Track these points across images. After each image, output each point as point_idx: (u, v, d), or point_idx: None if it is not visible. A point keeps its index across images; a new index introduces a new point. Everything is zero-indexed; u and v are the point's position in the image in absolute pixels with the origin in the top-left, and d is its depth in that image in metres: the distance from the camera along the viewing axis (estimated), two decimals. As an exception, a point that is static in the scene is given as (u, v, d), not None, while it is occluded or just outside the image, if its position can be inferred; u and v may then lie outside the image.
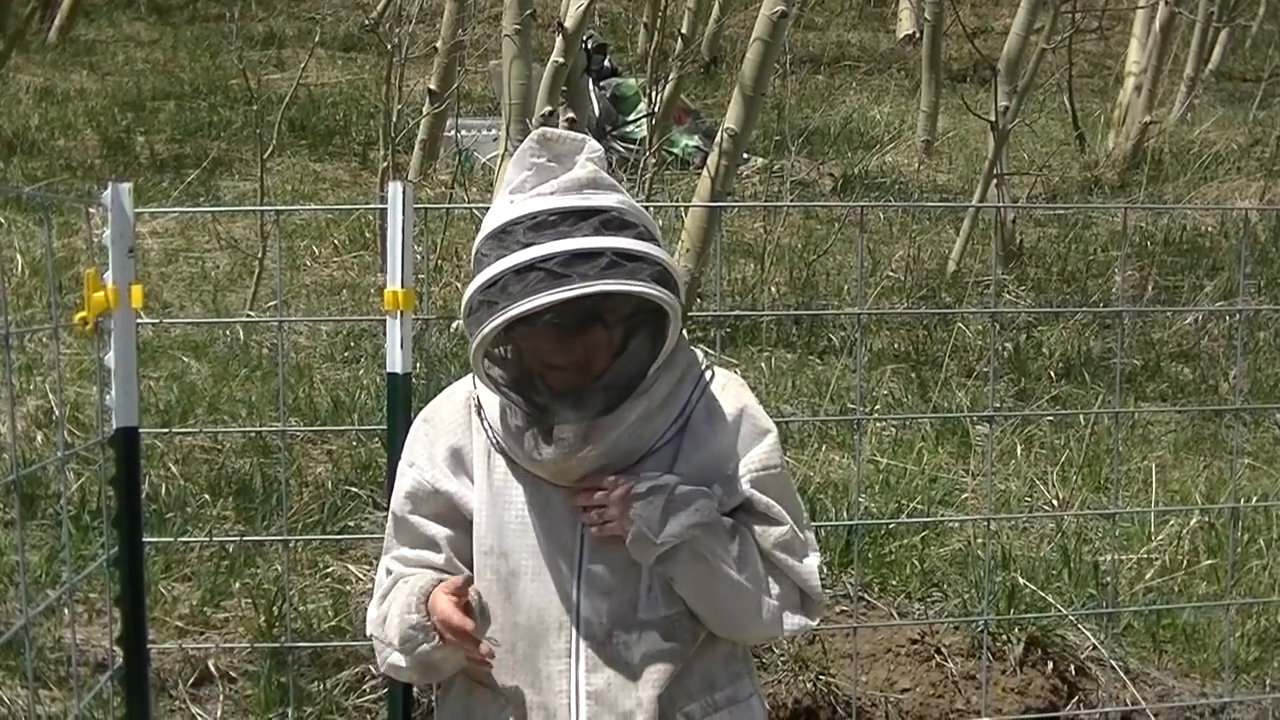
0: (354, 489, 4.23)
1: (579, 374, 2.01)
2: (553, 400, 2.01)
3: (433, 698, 3.34)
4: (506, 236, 2.01)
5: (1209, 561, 4.33)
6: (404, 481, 2.18)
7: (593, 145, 2.10)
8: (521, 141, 2.12)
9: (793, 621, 2.11)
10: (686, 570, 2.03)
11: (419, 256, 6.18)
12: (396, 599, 2.11)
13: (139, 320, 2.62)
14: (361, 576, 3.85)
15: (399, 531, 2.19)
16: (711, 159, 6.24)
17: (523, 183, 2.05)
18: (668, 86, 7.85)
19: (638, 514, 1.99)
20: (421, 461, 2.16)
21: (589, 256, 1.95)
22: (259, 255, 6.30)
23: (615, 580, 2.04)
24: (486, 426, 2.12)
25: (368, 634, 2.20)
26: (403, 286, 2.61)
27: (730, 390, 2.15)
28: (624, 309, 2.00)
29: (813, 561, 2.14)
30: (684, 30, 8.77)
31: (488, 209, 2.14)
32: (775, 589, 2.09)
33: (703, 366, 2.15)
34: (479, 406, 2.15)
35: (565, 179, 2.04)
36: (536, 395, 2.03)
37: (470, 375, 2.17)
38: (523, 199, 2.03)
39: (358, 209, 7.43)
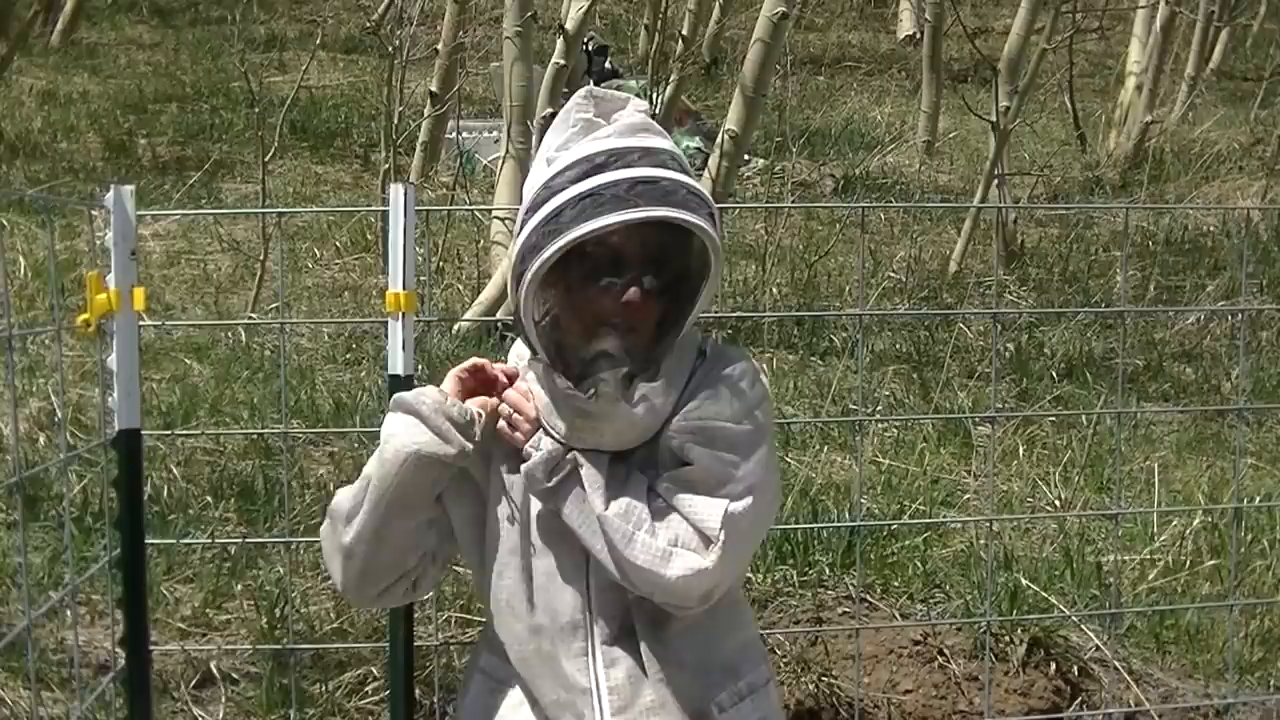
0: (356, 491, 4.23)
1: (621, 310, 1.96)
2: (596, 339, 1.97)
3: (435, 700, 3.34)
4: (561, 178, 1.96)
5: (1212, 562, 4.33)
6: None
7: (638, 101, 2.08)
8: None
9: (681, 562, 1.96)
10: (569, 509, 1.99)
11: (421, 258, 6.17)
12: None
13: (141, 322, 2.62)
14: (364, 578, 3.84)
15: None
16: (713, 160, 6.24)
17: (566, 141, 2.01)
18: (669, 88, 7.84)
19: (540, 450, 1.99)
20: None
21: (653, 183, 1.93)
22: (261, 257, 6.31)
23: None
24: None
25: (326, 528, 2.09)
26: (404, 288, 2.61)
27: (720, 363, 2.10)
28: (678, 250, 1.98)
29: (721, 503, 1.98)
30: (684, 32, 8.76)
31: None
32: (667, 532, 1.97)
33: (703, 343, 2.12)
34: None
35: (620, 124, 2.01)
36: (577, 337, 1.99)
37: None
38: (577, 145, 1.99)
39: (359, 211, 7.44)
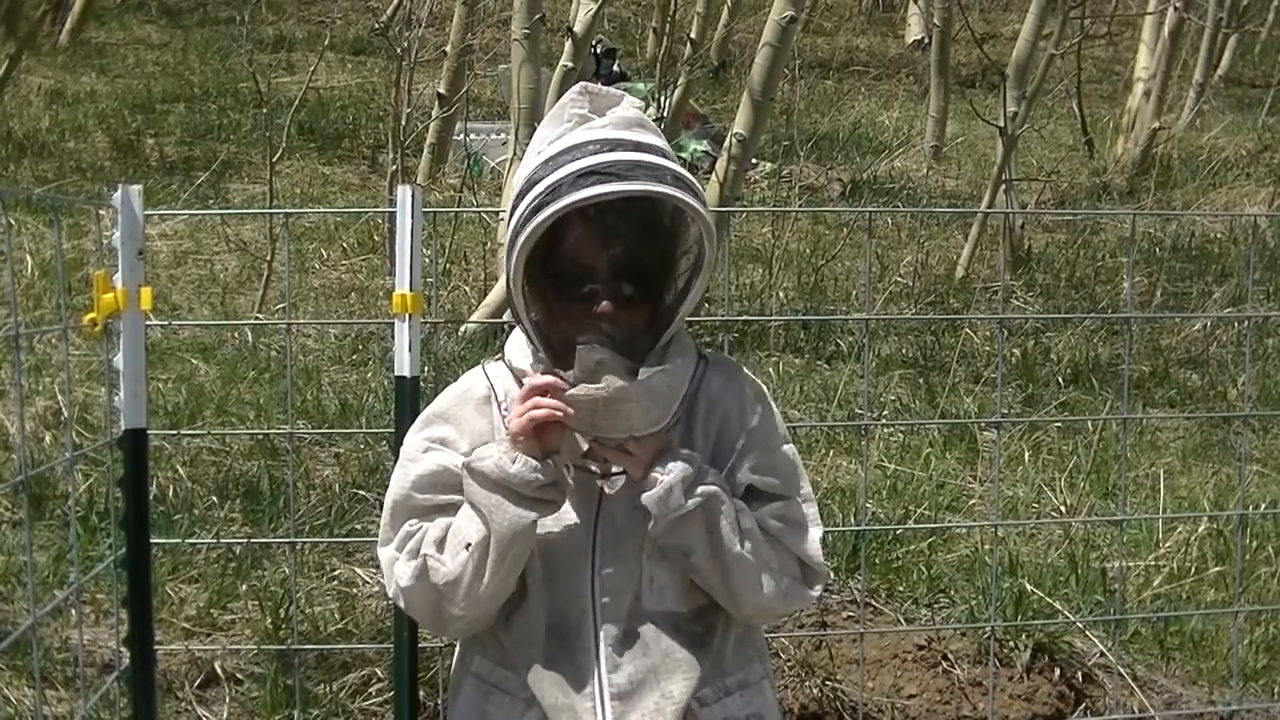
0: (361, 492, 4.24)
1: (596, 320, 1.97)
2: (588, 319, 1.98)
3: (439, 701, 3.34)
4: (559, 158, 1.96)
5: (1217, 568, 4.32)
6: (423, 464, 2.06)
7: (633, 98, 2.08)
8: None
9: (794, 595, 2.07)
10: (698, 540, 1.99)
11: (427, 260, 6.19)
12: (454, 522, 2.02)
13: (148, 322, 2.63)
14: (369, 579, 3.85)
15: (406, 516, 2.07)
16: (720, 164, 6.24)
17: (560, 134, 2.01)
18: (676, 91, 7.85)
19: (672, 472, 1.96)
20: (452, 437, 2.07)
21: (651, 168, 1.94)
22: (268, 258, 6.31)
23: (625, 578, 2.03)
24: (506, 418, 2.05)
25: (397, 585, 2.05)
26: (411, 290, 2.62)
27: (730, 372, 2.15)
28: (669, 238, 2.00)
29: (815, 534, 2.09)
30: (693, 35, 8.77)
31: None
32: (775, 563, 2.05)
33: (701, 352, 2.14)
34: (499, 400, 2.08)
35: (615, 116, 2.01)
36: (572, 311, 1.99)
37: (478, 370, 2.15)
38: (571, 135, 1.99)
39: (366, 212, 7.45)
